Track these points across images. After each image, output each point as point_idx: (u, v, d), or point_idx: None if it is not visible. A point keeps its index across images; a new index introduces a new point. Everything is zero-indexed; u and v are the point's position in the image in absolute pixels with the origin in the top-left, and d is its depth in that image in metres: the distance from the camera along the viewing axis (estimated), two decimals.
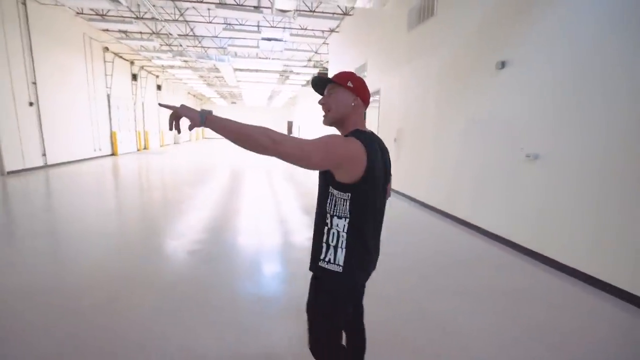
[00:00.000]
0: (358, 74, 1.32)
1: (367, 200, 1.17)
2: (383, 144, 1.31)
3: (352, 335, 1.54)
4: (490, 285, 3.01)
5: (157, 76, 20.70)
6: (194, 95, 31.89)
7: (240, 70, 17.57)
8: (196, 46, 14.62)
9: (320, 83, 1.30)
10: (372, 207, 1.21)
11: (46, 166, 10.08)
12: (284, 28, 11.31)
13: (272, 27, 11.41)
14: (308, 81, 20.33)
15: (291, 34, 11.27)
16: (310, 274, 1.30)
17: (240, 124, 0.98)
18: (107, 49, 13.84)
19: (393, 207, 5.95)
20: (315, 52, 14.77)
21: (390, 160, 1.33)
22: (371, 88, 8.54)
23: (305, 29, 11.98)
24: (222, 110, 37.18)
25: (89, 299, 2.54)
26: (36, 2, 9.50)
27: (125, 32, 12.73)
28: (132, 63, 16.62)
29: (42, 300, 2.53)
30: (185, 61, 16.70)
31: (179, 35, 12.45)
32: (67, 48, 11.19)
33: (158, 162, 13.21)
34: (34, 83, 9.60)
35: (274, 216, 5.29)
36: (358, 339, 1.55)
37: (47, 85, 10.12)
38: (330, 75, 2.71)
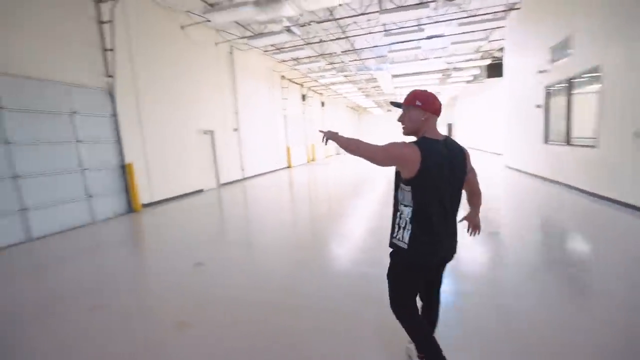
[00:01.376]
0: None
1: (425, 192, 1.52)
2: (456, 146, 1.63)
3: (427, 308, 1.86)
4: None
5: (321, 94, 22.92)
6: (352, 108, 33.80)
7: (398, 76, 17.11)
8: (356, 60, 15.15)
9: (398, 105, 1.72)
10: (434, 197, 1.53)
11: (243, 179, 12.48)
12: (450, 20, 10.06)
13: (434, 22, 10.36)
14: (475, 76, 17.79)
15: (459, 24, 9.89)
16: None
17: (346, 139, 1.67)
18: (283, 77, 16.22)
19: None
20: (486, 41, 12.62)
21: (464, 159, 1.64)
22: (586, 65, 6.33)
23: (475, 15, 10.31)
24: (378, 119, 37.95)
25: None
26: (238, 49, 11.99)
27: (296, 59, 14.50)
28: (301, 85, 18.95)
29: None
30: (346, 76, 17.70)
31: (341, 52, 13.14)
32: (256, 81, 13.66)
33: (325, 172, 14.28)
34: (236, 112, 12.10)
35: None
36: (432, 313, 1.85)
37: (244, 113, 12.59)
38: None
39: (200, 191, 9.93)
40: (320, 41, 11.45)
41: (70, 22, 6.24)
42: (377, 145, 1.54)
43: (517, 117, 10.77)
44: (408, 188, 1.54)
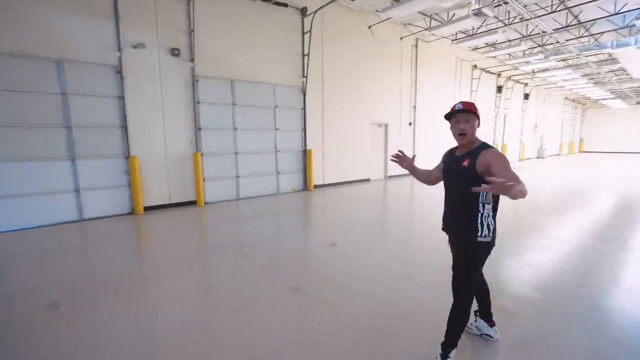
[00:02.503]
0: None
1: None
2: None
3: (482, 282, 2.26)
4: None
5: (525, 84, 18.97)
6: (572, 100, 26.18)
7: None
8: (581, 36, 11.57)
9: (459, 112, 1.88)
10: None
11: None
12: None
13: None
14: None
15: None
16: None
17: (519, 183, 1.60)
18: (475, 66, 14.49)
19: None
20: None
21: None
22: None
23: None
24: (615, 114, 27.75)
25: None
26: (423, 41, 11.67)
27: (493, 44, 12.59)
28: (498, 75, 16.33)
29: None
30: (563, 60, 13.89)
31: (553, 30, 10.39)
32: (440, 73, 12.87)
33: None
34: (414, 106, 11.94)
35: None
36: (485, 283, 2.26)
37: (422, 107, 12.23)
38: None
39: (367, 180, 10.58)
40: (522, 19, 9.46)
41: (283, 35, 7.97)
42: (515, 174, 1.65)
43: None
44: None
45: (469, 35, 11.39)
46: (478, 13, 7.71)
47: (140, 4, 5.87)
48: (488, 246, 1.87)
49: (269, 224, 5.53)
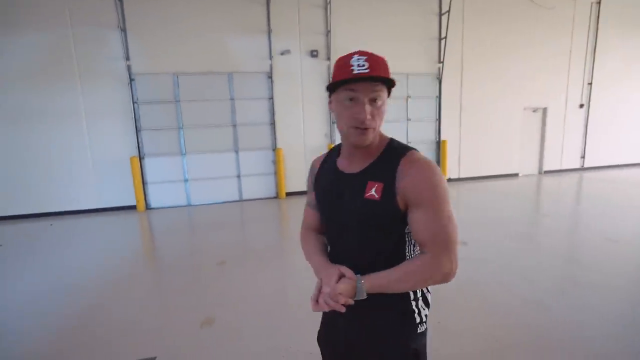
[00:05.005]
0: None
1: None
2: None
3: None
4: None
5: None
6: None
7: None
8: None
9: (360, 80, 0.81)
10: None
11: (581, 168, 9.72)
12: None
13: None
14: None
15: None
16: None
17: (403, 273, 0.83)
18: None
19: None
20: None
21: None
22: None
23: None
24: None
25: None
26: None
27: None
28: None
29: None
30: None
31: None
32: (636, 34, 9.53)
33: None
34: (590, 84, 9.33)
35: None
36: None
37: (601, 86, 9.43)
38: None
39: (515, 175, 9.03)
40: None
41: (418, 21, 7.60)
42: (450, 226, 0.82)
43: None
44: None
45: None
46: None
47: (286, 15, 6.72)
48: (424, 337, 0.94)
49: None
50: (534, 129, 9.22)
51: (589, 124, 9.53)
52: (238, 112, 6.76)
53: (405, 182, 0.81)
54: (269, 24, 6.61)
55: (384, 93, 0.84)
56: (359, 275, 0.82)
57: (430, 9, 7.65)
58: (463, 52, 8.01)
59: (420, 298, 0.91)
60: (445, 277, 0.81)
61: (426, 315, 0.92)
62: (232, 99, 6.69)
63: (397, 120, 7.82)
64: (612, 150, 10.01)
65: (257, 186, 7.11)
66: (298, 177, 7.29)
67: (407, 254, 0.89)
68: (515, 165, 9.02)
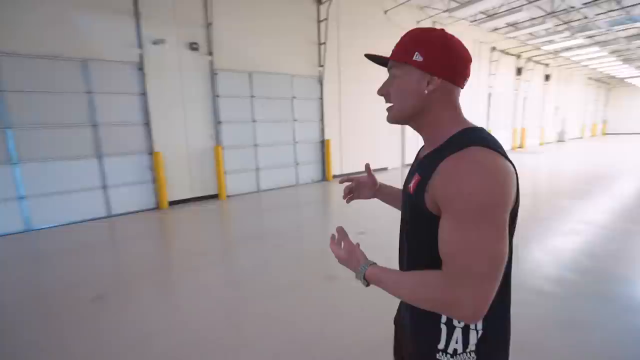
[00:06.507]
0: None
1: (510, 236, 0.73)
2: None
3: None
4: None
5: (546, 65, 18.20)
6: (596, 80, 25.02)
7: None
8: (611, 10, 10.94)
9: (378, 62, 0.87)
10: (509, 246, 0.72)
11: None
12: None
13: None
14: None
15: None
16: None
17: (408, 280, 0.74)
18: (494, 48, 13.97)
19: None
20: None
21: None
22: None
23: None
24: None
25: None
26: (440, 24, 11.28)
27: (514, 24, 12.08)
28: (517, 57, 15.72)
29: None
30: (589, 37, 13.22)
31: (583, 4, 9.86)
32: None
33: (536, 164, 11.65)
34: None
35: None
36: None
37: None
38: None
39: (385, 169, 10.48)
40: None
41: (298, 23, 7.83)
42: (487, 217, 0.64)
43: None
44: None
45: (489, 16, 10.94)
46: None
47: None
48: None
49: (294, 215, 5.57)
50: (397, 128, 10.90)
51: None
52: (99, 109, 5.50)
53: (437, 180, 0.69)
54: (136, 5, 5.61)
55: (398, 69, 0.79)
56: (370, 262, 0.82)
57: (310, 16, 8.02)
58: (339, 58, 8.73)
59: (459, 328, 0.75)
60: (458, 313, 0.66)
61: (456, 350, 0.76)
62: (89, 92, 5.39)
63: (285, 120, 7.93)
64: None
65: (130, 197, 5.98)
66: (182, 183, 6.53)
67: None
68: (385, 160, 10.48)
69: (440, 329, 0.77)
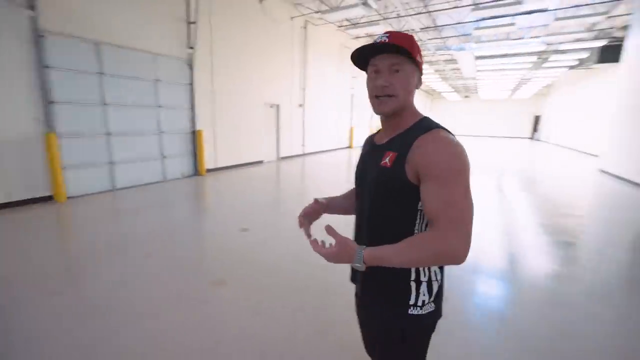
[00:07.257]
0: None
1: None
2: None
3: None
4: None
5: None
6: (425, 92, 31.66)
7: (483, 57, 15.33)
8: (435, 38, 13.92)
9: (372, 53, 0.91)
10: None
11: (303, 154, 12.70)
12: None
13: None
14: (581, 61, 15.08)
15: None
16: None
17: (405, 246, 0.81)
18: None
19: None
20: (605, 16, 10.43)
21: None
22: None
23: None
24: (454, 105, 34.98)
25: None
26: (312, 24, 11.86)
27: (371, 35, 13.86)
28: None
29: None
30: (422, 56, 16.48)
31: (420, 29, 12.17)
32: (327, 58, 13.46)
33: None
34: (303, 89, 12.16)
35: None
36: None
37: (311, 90, 12.60)
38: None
39: (261, 162, 10.39)
40: (398, 16, 10.70)
41: None
42: (463, 202, 0.80)
43: (633, 114, 8.91)
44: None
45: (353, 24, 12.19)
46: (365, 3, 8.27)
47: None
48: (430, 323, 0.94)
49: (164, 215, 4.83)
50: (272, 122, 10.95)
51: (305, 120, 12.52)
52: None
53: (418, 153, 0.84)
54: None
55: (407, 65, 0.90)
56: (363, 246, 0.84)
57: None
58: (212, 43, 8.04)
59: (425, 282, 0.92)
60: (453, 256, 0.77)
61: (424, 302, 0.92)
62: None
63: (147, 105, 6.78)
64: (320, 139, 13.76)
65: None
66: None
67: (416, 229, 0.90)
68: (260, 153, 10.38)
69: (410, 286, 0.91)
